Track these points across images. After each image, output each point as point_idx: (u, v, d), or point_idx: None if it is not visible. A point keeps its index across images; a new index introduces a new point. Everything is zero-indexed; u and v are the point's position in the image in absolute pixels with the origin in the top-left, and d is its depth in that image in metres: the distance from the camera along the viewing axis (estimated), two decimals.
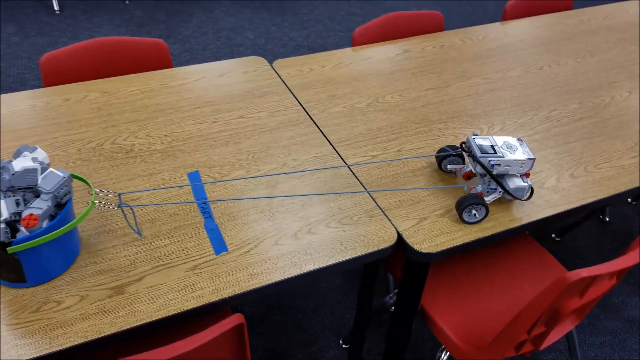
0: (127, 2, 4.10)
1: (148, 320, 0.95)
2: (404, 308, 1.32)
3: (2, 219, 0.92)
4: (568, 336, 1.73)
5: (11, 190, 0.95)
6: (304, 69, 1.70)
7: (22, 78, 3.19)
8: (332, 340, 1.86)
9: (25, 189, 0.96)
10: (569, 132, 1.47)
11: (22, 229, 0.93)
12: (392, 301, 1.58)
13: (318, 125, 1.45)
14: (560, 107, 1.58)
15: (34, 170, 0.95)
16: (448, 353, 1.42)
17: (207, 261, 1.06)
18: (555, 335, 1.32)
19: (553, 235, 2.33)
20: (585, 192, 1.27)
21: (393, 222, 1.17)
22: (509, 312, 1.38)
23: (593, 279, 1.10)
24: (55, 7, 3.95)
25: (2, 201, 0.93)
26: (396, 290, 1.39)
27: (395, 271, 1.44)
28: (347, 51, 1.81)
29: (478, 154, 1.15)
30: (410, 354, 1.83)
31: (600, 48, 1.92)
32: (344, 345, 1.85)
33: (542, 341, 1.26)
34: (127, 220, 1.12)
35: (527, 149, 1.18)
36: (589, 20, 2.13)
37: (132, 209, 1.14)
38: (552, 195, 1.26)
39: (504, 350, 1.24)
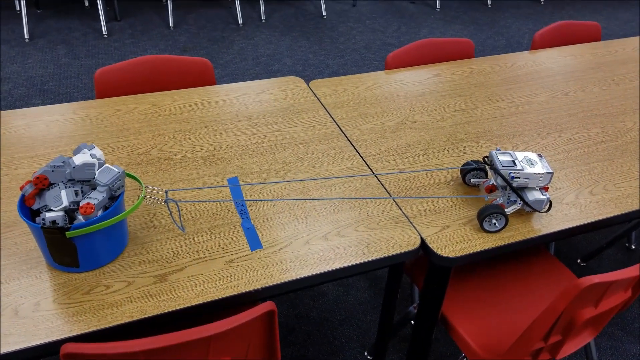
0: (171, 28, 4.30)
1: (188, 304, 1.03)
2: (426, 311, 1.38)
3: (62, 206, 1.02)
4: (587, 352, 1.76)
5: (71, 182, 1.06)
6: (339, 89, 1.80)
7: (71, 96, 3.37)
8: (357, 352, 1.92)
9: (83, 181, 1.06)
10: (590, 154, 1.53)
11: (80, 217, 1.04)
12: (415, 311, 1.63)
13: (350, 140, 1.54)
14: (583, 130, 1.64)
15: (92, 164, 1.06)
16: None
17: (243, 256, 1.14)
18: (573, 346, 1.36)
19: (579, 261, 2.35)
20: (602, 209, 1.33)
21: (417, 229, 1.24)
22: (526, 320, 1.43)
23: (606, 288, 1.15)
24: (104, 32, 4.17)
25: (63, 191, 1.04)
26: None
27: (419, 282, 1.51)
28: (380, 74, 1.91)
29: (499, 166, 1.23)
30: None
31: (626, 77, 1.98)
32: (368, 357, 1.91)
33: (558, 350, 1.31)
34: (172, 216, 1.22)
35: (547, 164, 1.25)
36: (616, 51, 2.19)
37: (177, 205, 1.24)
38: (570, 209, 1.32)
39: (520, 357, 1.29)
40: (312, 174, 1.40)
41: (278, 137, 1.54)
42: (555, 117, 1.70)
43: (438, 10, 5.05)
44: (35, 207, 1.05)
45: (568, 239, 2.47)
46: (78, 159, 1.06)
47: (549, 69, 2.01)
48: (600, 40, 2.32)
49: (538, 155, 1.28)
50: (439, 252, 1.18)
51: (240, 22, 4.51)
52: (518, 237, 1.23)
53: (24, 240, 1.15)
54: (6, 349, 0.94)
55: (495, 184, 1.31)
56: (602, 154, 1.53)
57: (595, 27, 2.39)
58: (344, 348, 1.93)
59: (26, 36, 4.03)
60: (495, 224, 1.23)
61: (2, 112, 1.57)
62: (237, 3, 4.58)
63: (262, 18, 4.62)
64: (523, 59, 2.08)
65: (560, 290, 1.50)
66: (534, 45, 2.24)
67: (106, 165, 1.08)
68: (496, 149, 1.28)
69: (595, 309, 1.20)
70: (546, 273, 1.57)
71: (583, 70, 2.01)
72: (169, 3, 4.40)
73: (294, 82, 1.82)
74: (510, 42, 4.52)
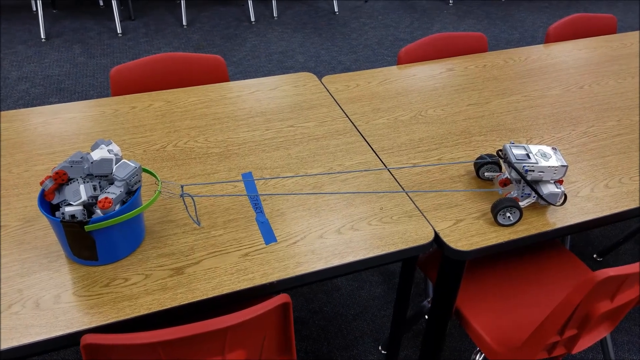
0: (185, 27, 4.33)
1: (204, 297, 1.05)
2: (440, 305, 1.39)
3: (81, 201, 1.04)
4: (604, 347, 1.75)
5: (89, 177, 1.08)
6: (351, 84, 1.81)
7: (87, 95, 3.41)
8: (371, 346, 1.93)
9: (101, 176, 1.08)
10: (606, 147, 1.52)
11: (98, 211, 1.06)
12: (429, 305, 1.64)
13: (363, 134, 1.55)
14: (599, 123, 1.63)
15: (110, 160, 1.07)
16: (483, 355, 1.47)
17: (258, 250, 1.16)
18: (589, 340, 1.36)
19: (595, 256, 2.34)
20: (618, 202, 1.32)
21: (431, 223, 1.24)
22: (541, 314, 1.42)
23: (622, 281, 1.14)
24: (118, 31, 4.21)
25: (82, 186, 1.06)
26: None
27: (433, 276, 1.51)
28: (393, 69, 1.91)
29: (513, 159, 1.23)
30: None
31: None
32: (382, 352, 1.91)
33: (574, 345, 1.31)
34: (188, 211, 1.24)
35: (561, 157, 1.25)
36: (632, 43, 2.18)
37: (192, 199, 1.26)
38: (585, 203, 1.32)
39: (535, 352, 1.29)
40: (325, 169, 1.41)
41: (291, 133, 1.55)
42: (570, 111, 1.69)
43: (451, 4, 5.03)
44: (54, 201, 1.07)
45: (584, 234, 2.46)
46: (96, 155, 1.08)
47: (564, 62, 2.00)
48: (616, 33, 2.30)
49: (552, 148, 1.27)
50: (452, 245, 1.19)
51: (252, 19, 4.53)
52: (532, 231, 1.24)
53: (44, 234, 1.17)
54: (28, 339, 0.96)
55: (509, 177, 1.31)
56: (617, 147, 1.53)
57: (611, 19, 2.37)
58: (358, 342, 1.94)
59: (43, 36, 4.07)
60: (509, 217, 1.23)
61: (20, 110, 1.60)
62: (250, 1, 4.59)
63: (275, 15, 4.64)
64: (537, 52, 2.08)
65: (575, 284, 1.50)
66: (548, 39, 2.23)
67: (123, 160, 1.09)
68: (510, 143, 1.28)
69: (611, 302, 1.20)
70: (561, 267, 1.56)
71: (598, 63, 2.00)
72: (182, 2, 4.43)
73: (306, 78, 1.83)
74: (524, 36, 4.49)
